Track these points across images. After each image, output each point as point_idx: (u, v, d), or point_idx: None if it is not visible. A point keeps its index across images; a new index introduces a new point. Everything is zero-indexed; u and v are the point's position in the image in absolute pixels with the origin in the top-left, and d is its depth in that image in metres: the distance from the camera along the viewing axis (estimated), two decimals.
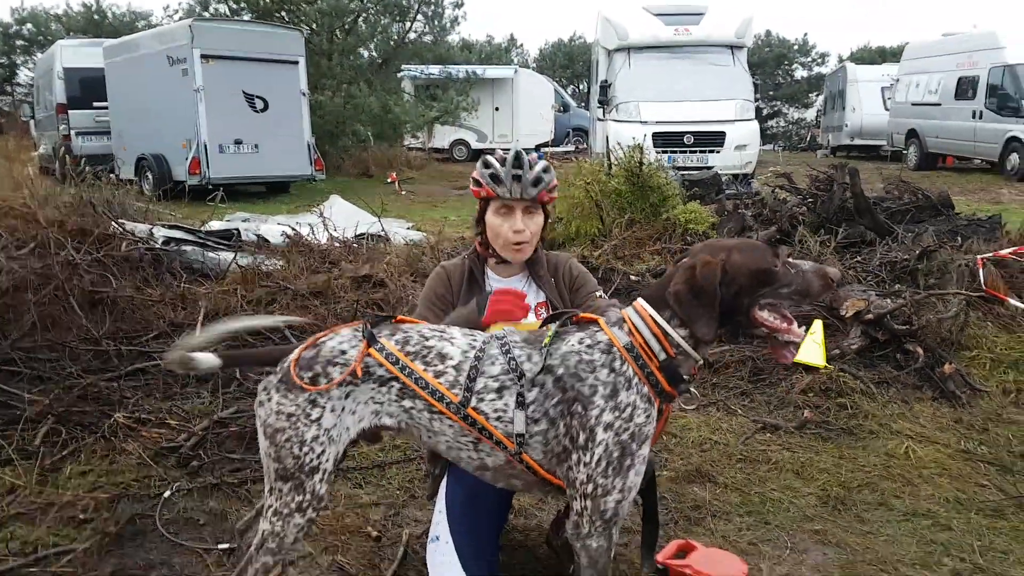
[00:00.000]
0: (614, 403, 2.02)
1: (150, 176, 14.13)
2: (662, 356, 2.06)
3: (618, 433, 2.01)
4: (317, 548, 3.00)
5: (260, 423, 2.22)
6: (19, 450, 3.54)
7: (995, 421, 4.25)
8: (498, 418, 2.09)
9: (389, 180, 16.72)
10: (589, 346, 2.09)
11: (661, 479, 3.54)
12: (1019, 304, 5.45)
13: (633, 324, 2.09)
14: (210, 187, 11.48)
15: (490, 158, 2.62)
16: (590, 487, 2.05)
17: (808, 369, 4.63)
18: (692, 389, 2.16)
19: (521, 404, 2.06)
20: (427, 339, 2.19)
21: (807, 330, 4.74)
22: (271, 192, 14.90)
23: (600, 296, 2.67)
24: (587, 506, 2.08)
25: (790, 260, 2.08)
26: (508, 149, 2.60)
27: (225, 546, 2.95)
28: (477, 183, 2.61)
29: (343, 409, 2.16)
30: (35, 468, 3.39)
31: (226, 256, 6.22)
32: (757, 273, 2.00)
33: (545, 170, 2.58)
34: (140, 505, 3.26)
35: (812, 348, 4.66)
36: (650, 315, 2.07)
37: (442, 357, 2.14)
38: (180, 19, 19.26)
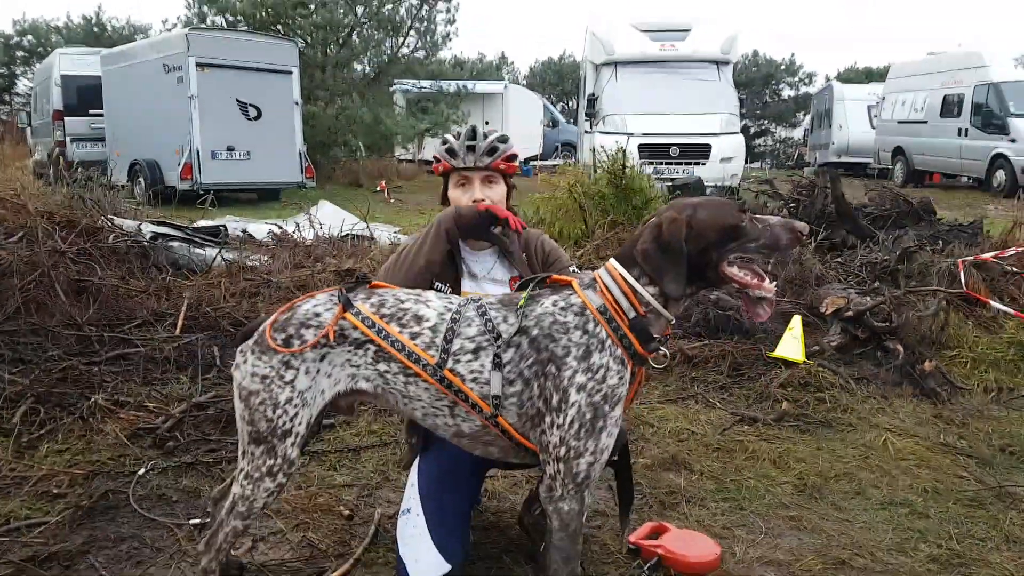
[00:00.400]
0: (587, 364, 2.03)
1: (142, 181, 14.14)
2: (632, 314, 2.07)
3: (591, 394, 2.02)
4: (288, 525, 2.99)
5: (236, 386, 2.23)
6: None
7: (975, 417, 4.27)
8: (474, 379, 2.09)
9: (379, 188, 16.76)
10: (563, 308, 2.10)
11: (636, 466, 3.54)
12: (1001, 306, 5.49)
13: (604, 284, 2.11)
14: (201, 192, 11.49)
15: (447, 135, 2.70)
16: (563, 449, 2.05)
17: (787, 364, 4.65)
18: (664, 349, 2.16)
19: (497, 365, 2.07)
20: (403, 302, 2.21)
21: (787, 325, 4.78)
22: (261, 199, 14.92)
23: (573, 271, 2.69)
24: (560, 469, 2.08)
25: (758, 216, 2.10)
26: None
27: (196, 521, 2.94)
28: (436, 160, 2.68)
29: (318, 372, 2.16)
30: (11, 444, 3.38)
31: (212, 253, 6.22)
32: (723, 228, 2.03)
33: (501, 140, 2.63)
34: (114, 482, 3.26)
35: (791, 343, 4.69)
36: (620, 273, 2.09)
37: (418, 319, 2.15)
38: None
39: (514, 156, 2.70)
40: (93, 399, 3.81)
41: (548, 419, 2.06)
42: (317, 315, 2.19)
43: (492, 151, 2.60)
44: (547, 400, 2.06)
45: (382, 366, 2.16)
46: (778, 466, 3.66)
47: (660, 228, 2.04)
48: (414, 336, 2.13)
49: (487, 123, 24.57)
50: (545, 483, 2.16)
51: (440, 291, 2.58)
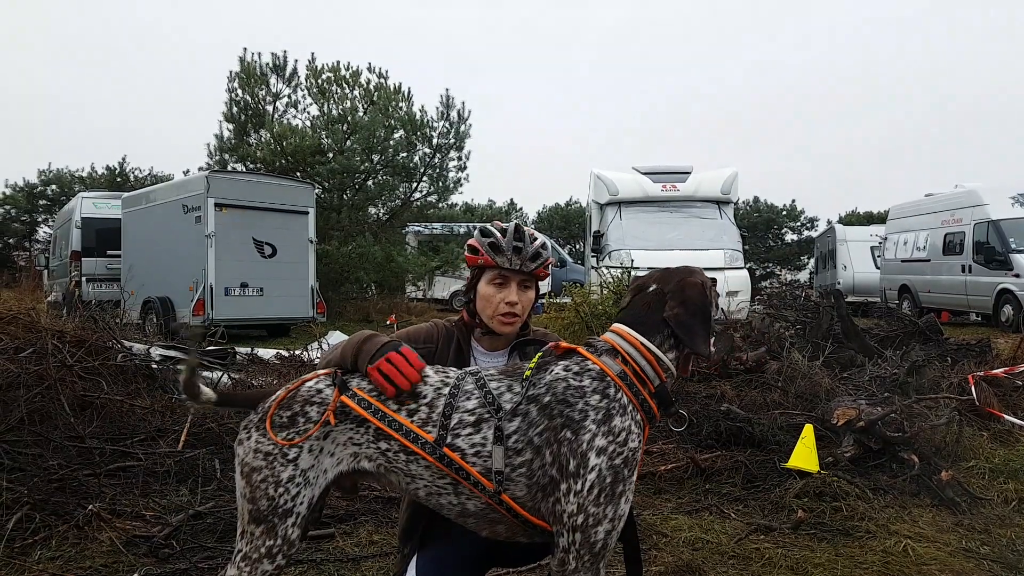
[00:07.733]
0: (607, 428, 1.99)
1: (154, 318, 14.30)
2: (656, 382, 2.09)
3: (611, 458, 1.97)
4: None
5: (238, 462, 2.18)
6: None
7: (997, 524, 4.12)
8: (475, 454, 2.04)
9: (388, 322, 16.93)
10: (577, 373, 2.08)
11: (649, 573, 3.41)
12: (1015, 420, 5.41)
13: (626, 352, 2.11)
14: (212, 328, 11.60)
15: (489, 227, 2.57)
16: (580, 517, 1.97)
17: (802, 474, 4.54)
18: (682, 411, 2.16)
19: (499, 439, 2.03)
20: None
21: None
22: (271, 335, 15.04)
23: None
24: (575, 540, 1.99)
25: None
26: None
27: None
28: (474, 250, 2.54)
29: (321, 450, 2.13)
30: (1, 546, 3.28)
31: (219, 376, 6.23)
32: (709, 284, 2.19)
33: (543, 247, 2.56)
34: None
35: (804, 453, 4.59)
36: (641, 342, 2.11)
37: (415, 396, 2.14)
38: None
39: (551, 264, 2.64)
40: (90, 508, 3.73)
41: (564, 486, 1.99)
42: (320, 391, 2.19)
43: (536, 256, 2.52)
44: (562, 467, 1.99)
45: (383, 444, 2.12)
46: (796, 572, 3.50)
47: (685, 293, 2.12)
48: (411, 413, 2.11)
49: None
50: (558, 557, 2.04)
51: None
